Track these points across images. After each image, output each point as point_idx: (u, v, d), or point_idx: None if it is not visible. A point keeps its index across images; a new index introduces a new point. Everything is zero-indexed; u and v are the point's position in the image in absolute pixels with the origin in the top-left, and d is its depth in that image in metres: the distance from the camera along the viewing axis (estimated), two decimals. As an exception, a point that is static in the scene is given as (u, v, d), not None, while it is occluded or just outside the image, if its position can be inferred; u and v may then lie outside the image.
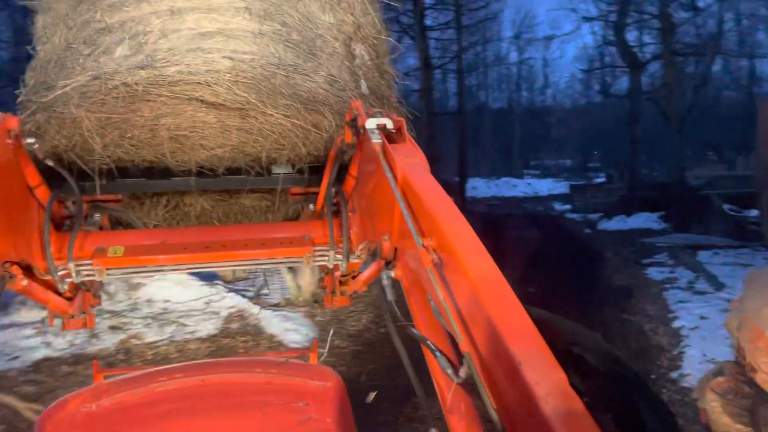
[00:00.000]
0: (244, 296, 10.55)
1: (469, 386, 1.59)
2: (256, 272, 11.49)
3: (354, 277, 3.09)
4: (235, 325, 9.35)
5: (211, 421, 1.73)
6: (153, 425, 1.76)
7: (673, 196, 19.80)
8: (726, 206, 20.22)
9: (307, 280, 7.73)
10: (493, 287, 1.39)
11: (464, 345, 1.41)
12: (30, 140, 2.33)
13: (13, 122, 2.18)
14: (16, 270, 2.09)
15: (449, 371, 1.56)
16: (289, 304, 10.63)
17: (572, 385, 1.12)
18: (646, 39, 27.13)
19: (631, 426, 1.06)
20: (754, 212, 18.82)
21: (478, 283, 1.40)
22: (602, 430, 1.05)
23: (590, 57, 34.32)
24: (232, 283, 11.71)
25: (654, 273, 11.43)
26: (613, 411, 1.07)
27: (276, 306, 10.46)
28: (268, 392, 1.92)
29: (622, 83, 31.46)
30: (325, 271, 3.41)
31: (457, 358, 1.65)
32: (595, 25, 30.41)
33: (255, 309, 9.93)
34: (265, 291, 11.32)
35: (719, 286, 9.21)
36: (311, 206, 3.19)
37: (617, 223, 20.34)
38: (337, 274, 3.16)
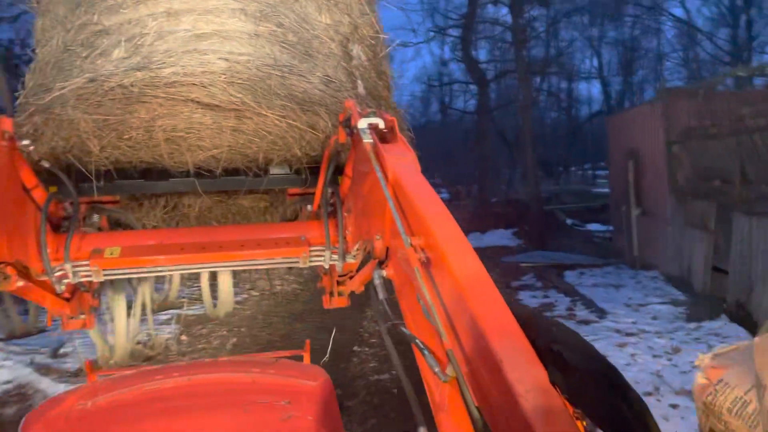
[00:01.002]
0: (32, 362, 7.02)
1: (457, 384, 1.60)
2: (51, 326, 5.58)
3: (351, 278, 3.10)
4: (9, 411, 5.89)
5: (195, 419, 1.74)
6: (140, 423, 1.77)
7: (522, 212, 19.66)
8: (568, 221, 20.48)
9: (224, 296, 5.97)
10: (478, 286, 1.40)
11: (448, 343, 1.41)
12: (25, 142, 2.35)
13: (7, 124, 2.20)
14: (11, 270, 2.10)
15: (437, 369, 1.56)
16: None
17: (552, 382, 1.13)
18: (496, 55, 27.64)
19: (609, 421, 1.06)
20: (595, 226, 19.22)
21: (464, 281, 1.41)
22: (580, 425, 1.06)
23: (432, 74, 33.86)
24: (13, 341, 7.95)
25: (528, 298, 10.54)
26: (590, 407, 1.08)
27: (77, 375, 6.88)
28: (252, 391, 1.93)
29: (467, 101, 31.79)
30: (323, 272, 3.42)
31: (445, 357, 1.66)
32: (436, 43, 30.08)
33: (44, 382, 6.51)
34: (66, 349, 7.54)
35: (601, 313, 8.89)
36: (309, 207, 3.20)
37: (474, 240, 19.77)
38: (335, 274, 3.17)
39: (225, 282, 5.71)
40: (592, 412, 1.07)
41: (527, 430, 1.06)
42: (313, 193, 3.09)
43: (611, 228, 15.95)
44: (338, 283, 3.22)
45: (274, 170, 3.05)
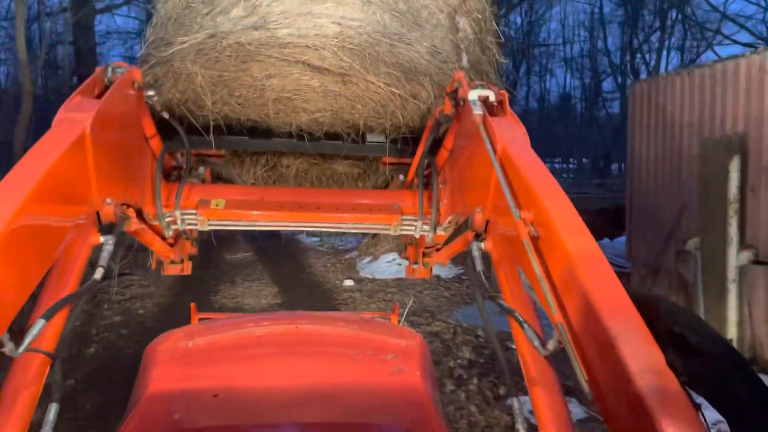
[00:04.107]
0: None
1: (554, 360, 1.60)
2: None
3: (438, 250, 3.12)
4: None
5: (304, 364, 1.81)
6: (245, 363, 1.87)
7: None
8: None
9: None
10: (592, 262, 1.38)
11: (557, 317, 1.41)
12: (150, 92, 2.48)
13: (137, 74, 2.32)
14: (131, 213, 2.24)
15: (536, 343, 1.57)
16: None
17: (669, 363, 1.11)
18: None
19: (731, 408, 1.04)
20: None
21: (577, 257, 1.40)
22: (698, 410, 1.04)
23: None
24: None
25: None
26: (712, 392, 1.06)
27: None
28: (357, 345, 2.00)
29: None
30: (408, 242, 3.46)
31: (543, 332, 1.66)
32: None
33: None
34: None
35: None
36: (401, 176, 3.23)
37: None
38: (422, 245, 3.20)
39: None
40: (714, 398, 1.05)
41: (641, 410, 1.05)
42: (406, 163, 3.12)
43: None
44: (424, 254, 3.26)
45: (371, 138, 3.10)
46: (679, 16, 28.19)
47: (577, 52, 36.48)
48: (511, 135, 1.97)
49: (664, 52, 30.04)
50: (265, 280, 10.69)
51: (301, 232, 13.03)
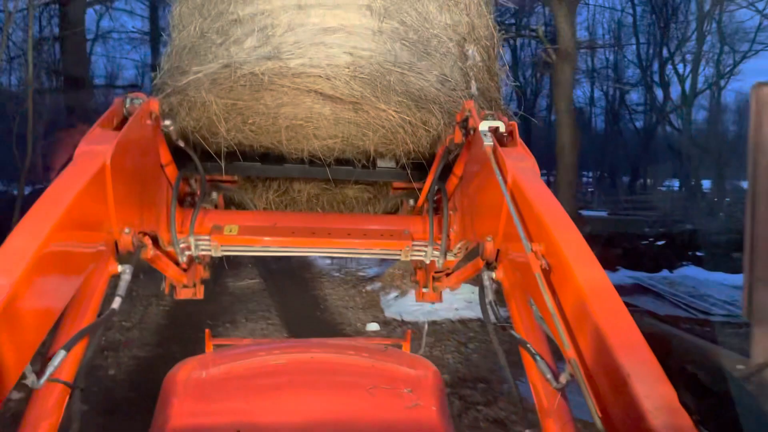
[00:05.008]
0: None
1: (567, 393, 1.61)
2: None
3: (448, 275, 3.14)
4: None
5: (320, 397, 1.83)
6: (263, 395, 1.89)
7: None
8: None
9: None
10: (603, 296, 1.40)
11: (569, 352, 1.42)
12: (167, 122, 2.53)
13: (154, 105, 2.38)
14: (147, 241, 2.28)
15: (549, 376, 1.58)
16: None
17: (682, 402, 1.13)
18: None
19: None
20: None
21: (588, 291, 1.41)
22: None
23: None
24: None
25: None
26: (722, 430, 1.07)
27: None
28: (373, 375, 2.01)
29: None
30: (418, 266, 3.49)
31: (555, 364, 1.67)
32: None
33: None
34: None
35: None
36: (411, 201, 3.27)
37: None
38: (432, 270, 3.22)
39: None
40: None
41: None
42: (416, 189, 3.15)
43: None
44: (434, 279, 3.28)
45: (382, 163, 3.14)
46: (713, 25, 27.78)
47: (601, 62, 35.89)
48: (521, 166, 2.00)
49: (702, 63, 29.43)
50: (272, 319, 8.99)
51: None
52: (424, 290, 3.40)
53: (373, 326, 8.63)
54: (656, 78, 31.54)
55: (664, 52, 30.43)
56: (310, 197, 3.44)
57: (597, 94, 37.81)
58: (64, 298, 1.56)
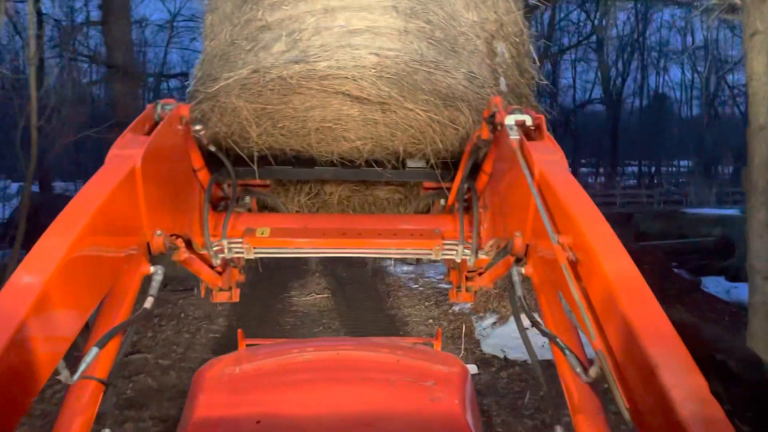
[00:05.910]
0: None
1: (598, 387, 1.57)
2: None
3: (480, 274, 3.11)
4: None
5: (342, 391, 1.84)
6: (287, 389, 1.91)
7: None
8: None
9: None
10: (632, 288, 1.37)
11: (597, 343, 1.39)
12: (197, 127, 2.58)
13: (185, 110, 2.44)
14: (180, 243, 2.33)
15: (578, 370, 1.55)
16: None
17: (713, 391, 1.09)
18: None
19: None
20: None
21: (616, 282, 1.38)
22: None
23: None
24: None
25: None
26: (756, 421, 1.03)
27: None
28: (398, 371, 2.01)
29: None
30: (452, 266, 3.46)
31: (586, 358, 1.63)
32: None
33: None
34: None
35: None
36: (442, 201, 3.25)
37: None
38: (464, 269, 3.20)
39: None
40: (759, 427, 1.02)
41: None
42: (446, 188, 3.13)
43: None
44: (467, 278, 3.25)
45: (411, 164, 3.13)
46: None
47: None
48: (549, 159, 1.97)
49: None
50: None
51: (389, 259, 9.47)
52: (457, 291, 3.38)
53: (471, 368, 6.44)
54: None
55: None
56: (341, 199, 3.46)
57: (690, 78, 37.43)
58: (97, 297, 1.60)
